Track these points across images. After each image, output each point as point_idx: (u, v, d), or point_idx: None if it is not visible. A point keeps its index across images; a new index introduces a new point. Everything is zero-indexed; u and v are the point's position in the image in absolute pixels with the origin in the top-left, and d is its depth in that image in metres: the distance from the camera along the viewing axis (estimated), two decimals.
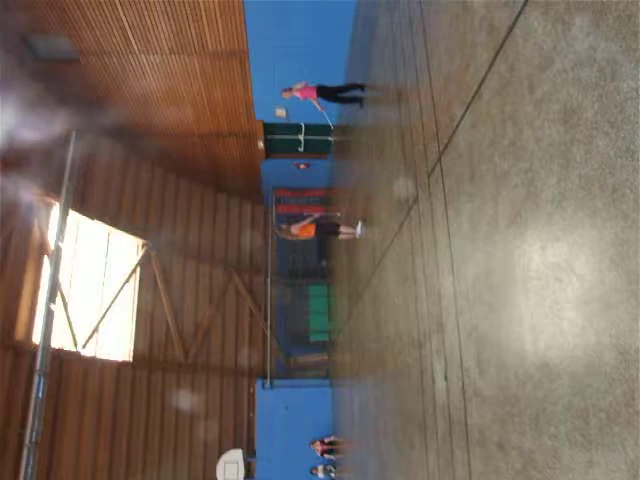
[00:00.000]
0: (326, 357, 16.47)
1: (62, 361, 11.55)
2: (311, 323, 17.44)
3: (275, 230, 9.79)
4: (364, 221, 8.78)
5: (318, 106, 9.69)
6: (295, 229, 9.27)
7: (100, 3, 9.62)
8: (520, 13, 2.98)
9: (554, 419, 2.58)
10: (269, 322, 16.30)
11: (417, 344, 5.30)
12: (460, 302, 3.97)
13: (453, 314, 4.13)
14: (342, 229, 9.62)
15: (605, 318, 2.18)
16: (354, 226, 9.16)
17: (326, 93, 9.45)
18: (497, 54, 3.26)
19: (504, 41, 3.17)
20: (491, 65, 3.35)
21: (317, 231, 9.54)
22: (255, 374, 16.01)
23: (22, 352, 10.46)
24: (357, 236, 9.12)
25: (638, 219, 1.98)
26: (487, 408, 3.46)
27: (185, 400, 14.48)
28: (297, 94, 9.39)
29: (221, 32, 10.38)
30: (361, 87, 9.09)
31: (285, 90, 9.43)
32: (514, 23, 3.05)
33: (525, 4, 2.91)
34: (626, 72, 2.06)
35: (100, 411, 12.44)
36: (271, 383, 15.55)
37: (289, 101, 10.08)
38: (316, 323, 17.22)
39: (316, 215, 9.65)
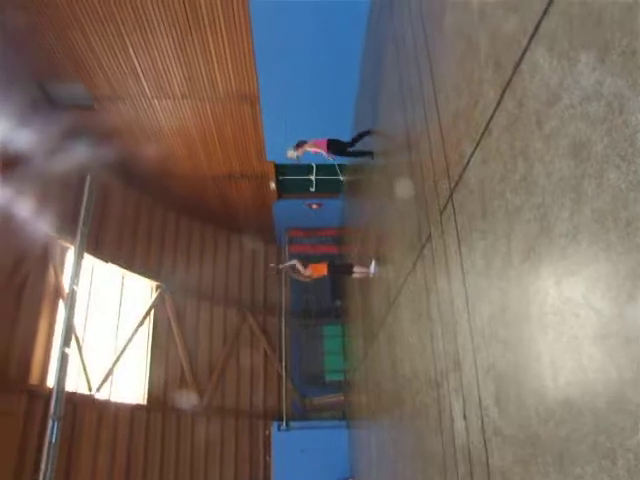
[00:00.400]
0: (342, 397, 16.21)
1: (76, 405, 11.46)
2: (326, 363, 17.22)
3: (288, 272, 9.86)
4: (377, 260, 8.76)
5: (328, 157, 9.79)
6: (306, 270, 9.27)
7: (114, 51, 9.93)
8: (526, 50, 3.02)
9: (579, 459, 2.50)
10: (284, 363, 16.12)
11: (434, 383, 5.21)
12: (476, 340, 3.92)
13: (470, 352, 4.06)
14: (356, 269, 9.59)
15: (625, 353, 2.14)
16: (367, 265, 9.14)
17: (336, 148, 9.54)
18: (504, 91, 3.30)
19: (511, 78, 3.21)
20: (499, 102, 3.38)
21: (330, 270, 9.52)
22: (271, 416, 15.76)
23: (36, 396, 10.40)
24: (371, 275, 9.09)
25: None
26: (508, 448, 3.36)
27: (200, 443, 14.27)
28: (309, 149, 9.55)
29: (232, 76, 10.62)
30: (368, 132, 9.36)
31: (297, 146, 9.54)
32: (520, 60, 3.09)
33: (530, 41, 2.96)
34: (633, 106, 2.07)
35: (114, 455, 12.27)
36: (287, 425, 15.28)
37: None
38: (331, 363, 17.01)
39: (293, 262, 9.55)
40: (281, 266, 9.80)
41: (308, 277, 9.40)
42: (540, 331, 2.87)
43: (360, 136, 9.58)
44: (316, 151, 9.59)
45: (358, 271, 9.54)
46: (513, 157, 3.17)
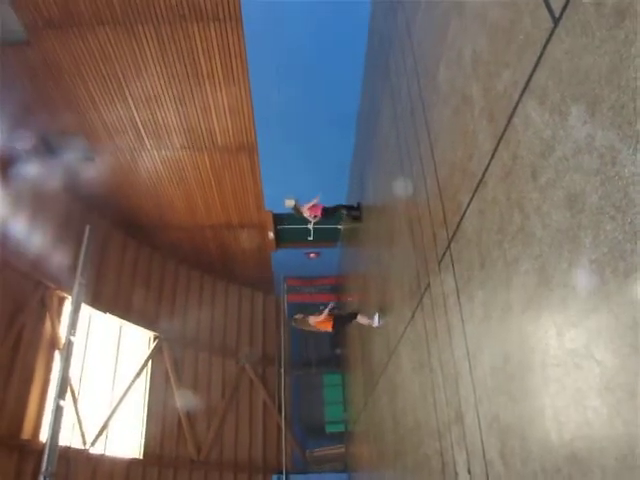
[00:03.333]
0: (343, 449, 15.82)
1: (69, 460, 11.12)
2: (327, 414, 16.86)
3: (291, 322, 9.76)
4: (381, 311, 8.62)
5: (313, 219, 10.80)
6: (313, 320, 9.06)
7: (115, 104, 10.14)
8: (517, 103, 3.09)
9: None
10: (283, 414, 15.80)
11: (437, 435, 5.10)
12: (478, 391, 3.86)
13: (472, 403, 4.00)
14: (359, 319, 9.29)
15: (632, 407, 2.10)
16: (371, 317, 8.88)
17: (330, 212, 10.85)
18: (499, 143, 3.36)
19: (504, 130, 3.27)
20: (494, 153, 3.44)
21: (335, 325, 9.20)
22: (270, 469, 15.32)
23: (28, 452, 10.10)
24: (375, 326, 8.78)
25: None
26: None
27: None
28: (306, 213, 10.56)
29: (230, 128, 10.81)
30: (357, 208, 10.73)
31: (296, 210, 10.62)
32: (512, 113, 3.16)
33: (522, 95, 3.03)
34: (625, 158, 2.10)
35: None
36: (287, 478, 14.86)
37: (298, 192, 10.42)
38: (332, 414, 16.64)
39: (331, 305, 9.45)
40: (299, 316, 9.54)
41: (312, 328, 9.19)
42: (543, 383, 2.83)
43: (350, 208, 11.03)
44: (312, 214, 10.61)
45: (362, 322, 9.23)
46: (509, 208, 3.20)
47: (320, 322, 9.05)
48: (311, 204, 10.49)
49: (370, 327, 9.20)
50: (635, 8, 2.04)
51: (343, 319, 9.85)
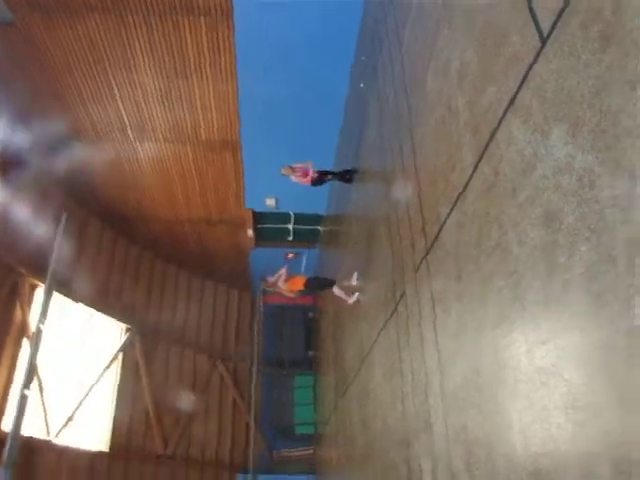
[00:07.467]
0: (312, 451, 15.80)
1: (32, 450, 10.92)
2: (297, 415, 16.83)
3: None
4: (361, 274, 7.90)
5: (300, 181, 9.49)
6: (282, 282, 8.71)
7: (100, 92, 9.99)
8: (502, 119, 3.11)
9: None
10: (253, 413, 15.74)
11: (405, 442, 5.12)
12: (448, 401, 3.88)
13: (441, 413, 4.02)
14: (336, 289, 8.72)
15: (595, 426, 2.13)
16: (349, 278, 8.20)
17: (319, 180, 9.48)
18: (481, 157, 3.38)
19: (487, 145, 3.29)
20: (476, 167, 3.46)
21: (308, 285, 8.88)
22: (237, 467, 15.25)
23: None
24: (350, 301, 8.15)
25: (623, 326, 1.98)
26: None
27: None
28: (293, 178, 9.26)
29: (215, 123, 10.74)
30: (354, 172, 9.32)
31: (285, 167, 9.25)
32: (496, 128, 3.18)
33: (506, 111, 3.05)
34: (603, 182, 2.13)
35: None
36: (253, 478, 14.80)
37: (280, 191, 10.29)
38: (302, 415, 16.61)
39: (290, 256, 9.04)
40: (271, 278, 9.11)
41: (290, 292, 8.84)
42: (511, 398, 2.86)
43: (345, 174, 9.57)
44: (301, 182, 9.37)
45: (338, 293, 8.67)
46: (488, 222, 3.22)
47: (291, 282, 8.68)
48: (301, 165, 9.27)
49: (344, 330, 9.19)
50: (619, 35, 2.07)
51: (319, 281, 9.38)
